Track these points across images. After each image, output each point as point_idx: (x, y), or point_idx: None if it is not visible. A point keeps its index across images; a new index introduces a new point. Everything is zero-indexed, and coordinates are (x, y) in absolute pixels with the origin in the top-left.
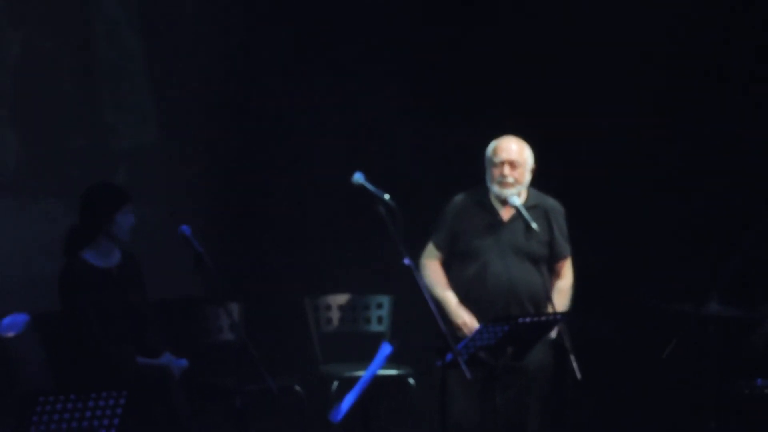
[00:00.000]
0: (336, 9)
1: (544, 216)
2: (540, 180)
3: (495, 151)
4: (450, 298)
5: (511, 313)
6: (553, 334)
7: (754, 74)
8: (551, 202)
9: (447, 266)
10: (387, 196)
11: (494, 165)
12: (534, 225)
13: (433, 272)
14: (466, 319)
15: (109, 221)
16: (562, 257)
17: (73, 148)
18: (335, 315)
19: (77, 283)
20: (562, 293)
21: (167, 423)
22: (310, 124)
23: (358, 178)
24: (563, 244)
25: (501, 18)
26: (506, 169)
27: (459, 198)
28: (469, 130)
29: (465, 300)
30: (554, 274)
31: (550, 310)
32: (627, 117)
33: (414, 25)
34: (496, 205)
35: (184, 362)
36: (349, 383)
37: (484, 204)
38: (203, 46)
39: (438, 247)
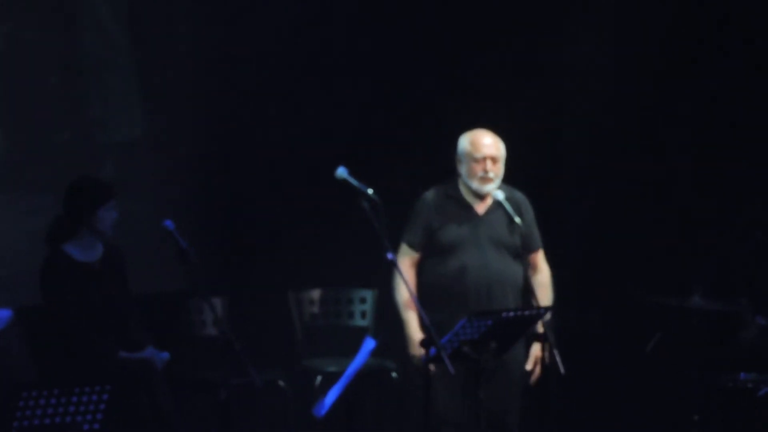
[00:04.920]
0: (319, 3)
1: (516, 208)
2: (525, 173)
3: (475, 147)
4: (409, 318)
5: (493, 307)
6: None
7: (742, 71)
8: (519, 195)
9: (423, 263)
10: (370, 191)
11: (475, 161)
12: (517, 219)
13: (401, 286)
14: (417, 354)
15: (92, 215)
16: (535, 249)
17: (59, 142)
18: (319, 309)
19: (58, 276)
20: (544, 287)
21: (150, 416)
22: (296, 119)
23: (342, 172)
24: (536, 236)
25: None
26: (489, 165)
27: (429, 194)
28: (450, 124)
29: (446, 295)
30: (530, 266)
31: (534, 303)
32: (612, 110)
33: (397, 21)
34: (470, 199)
35: (165, 355)
36: (332, 378)
37: (457, 198)
38: (189, 39)
39: (412, 246)
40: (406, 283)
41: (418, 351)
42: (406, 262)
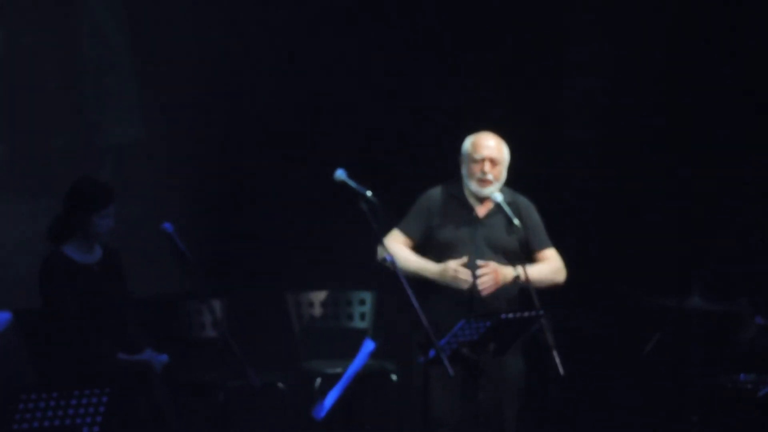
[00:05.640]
0: (318, 4)
1: (517, 212)
2: (521, 174)
3: (475, 148)
4: (427, 264)
5: (490, 309)
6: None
7: (740, 71)
8: (522, 199)
9: None
10: (369, 193)
11: (474, 161)
12: (516, 221)
13: (399, 249)
14: (452, 266)
15: (85, 220)
16: (542, 248)
17: (57, 146)
18: (318, 311)
19: (57, 278)
20: (550, 260)
21: (149, 419)
22: (294, 120)
23: (340, 174)
24: (542, 237)
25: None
26: (487, 167)
27: (433, 191)
28: (449, 125)
29: (443, 294)
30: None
31: (522, 270)
32: (611, 112)
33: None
34: (472, 200)
35: (164, 357)
36: (331, 380)
37: (459, 199)
38: (188, 42)
39: (405, 233)
40: (401, 251)
41: (452, 267)
42: (396, 241)
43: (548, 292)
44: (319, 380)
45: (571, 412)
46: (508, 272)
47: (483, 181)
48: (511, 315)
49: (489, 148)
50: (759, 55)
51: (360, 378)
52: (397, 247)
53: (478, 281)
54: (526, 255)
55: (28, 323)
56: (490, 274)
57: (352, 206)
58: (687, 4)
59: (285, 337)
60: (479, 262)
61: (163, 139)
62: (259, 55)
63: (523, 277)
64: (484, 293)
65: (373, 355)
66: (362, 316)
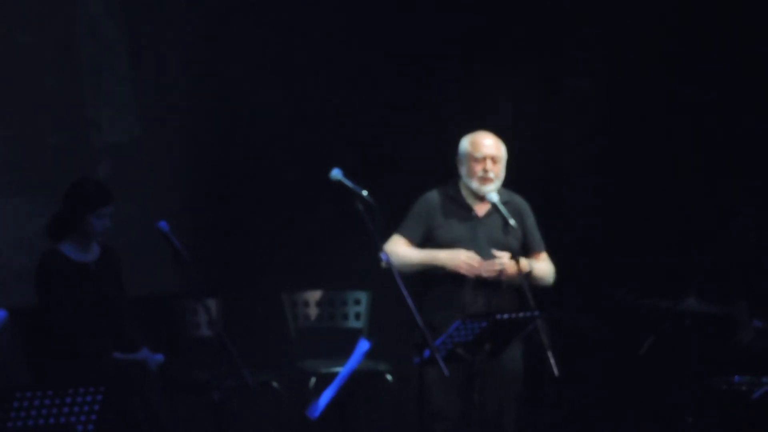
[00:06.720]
0: (316, 4)
1: (515, 212)
2: (520, 177)
3: (475, 147)
4: (434, 252)
5: (490, 309)
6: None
7: (734, 73)
8: (519, 199)
9: None
10: (365, 192)
11: (475, 160)
12: (512, 221)
13: (401, 248)
14: (462, 257)
15: (81, 219)
16: (537, 250)
17: (55, 144)
18: (313, 311)
19: (53, 275)
20: (543, 261)
21: (144, 418)
22: (291, 120)
23: (336, 174)
24: (537, 238)
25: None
26: (489, 164)
27: (430, 194)
28: (445, 126)
29: (443, 295)
30: None
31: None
32: (608, 112)
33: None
34: (470, 201)
35: (160, 357)
36: (326, 379)
37: (457, 200)
38: (186, 41)
39: (406, 237)
40: (402, 249)
41: (459, 257)
42: (397, 245)
43: (544, 293)
44: (313, 380)
45: (566, 414)
46: (523, 266)
47: (485, 179)
48: (506, 315)
49: (489, 147)
50: (758, 53)
51: (355, 378)
52: (397, 246)
53: (487, 264)
54: (525, 255)
55: (24, 321)
56: (502, 264)
57: (348, 206)
58: (686, 3)
59: (280, 337)
60: (495, 252)
61: (160, 138)
62: (257, 54)
63: (533, 272)
64: (486, 275)
65: (368, 355)
66: (357, 316)
